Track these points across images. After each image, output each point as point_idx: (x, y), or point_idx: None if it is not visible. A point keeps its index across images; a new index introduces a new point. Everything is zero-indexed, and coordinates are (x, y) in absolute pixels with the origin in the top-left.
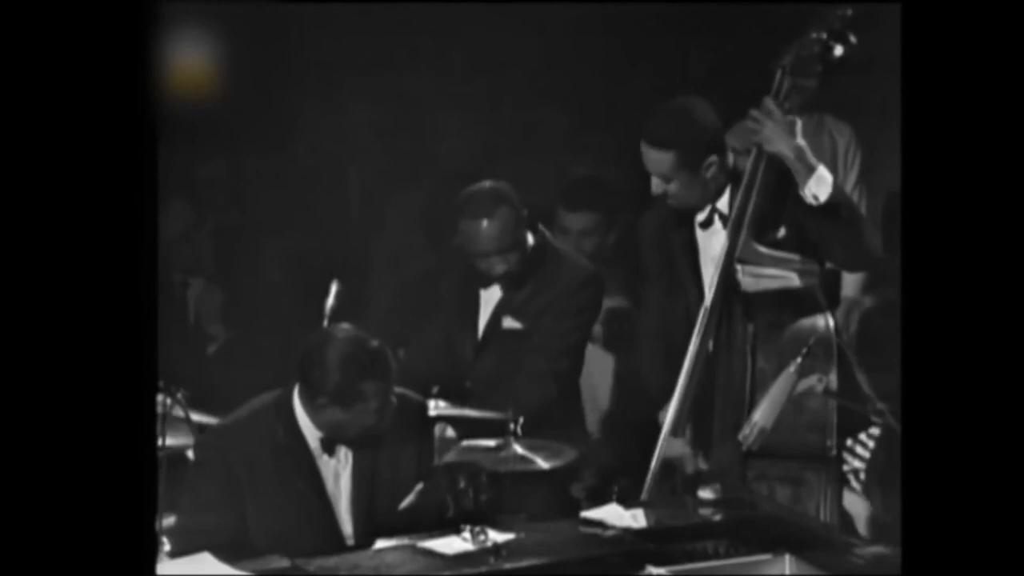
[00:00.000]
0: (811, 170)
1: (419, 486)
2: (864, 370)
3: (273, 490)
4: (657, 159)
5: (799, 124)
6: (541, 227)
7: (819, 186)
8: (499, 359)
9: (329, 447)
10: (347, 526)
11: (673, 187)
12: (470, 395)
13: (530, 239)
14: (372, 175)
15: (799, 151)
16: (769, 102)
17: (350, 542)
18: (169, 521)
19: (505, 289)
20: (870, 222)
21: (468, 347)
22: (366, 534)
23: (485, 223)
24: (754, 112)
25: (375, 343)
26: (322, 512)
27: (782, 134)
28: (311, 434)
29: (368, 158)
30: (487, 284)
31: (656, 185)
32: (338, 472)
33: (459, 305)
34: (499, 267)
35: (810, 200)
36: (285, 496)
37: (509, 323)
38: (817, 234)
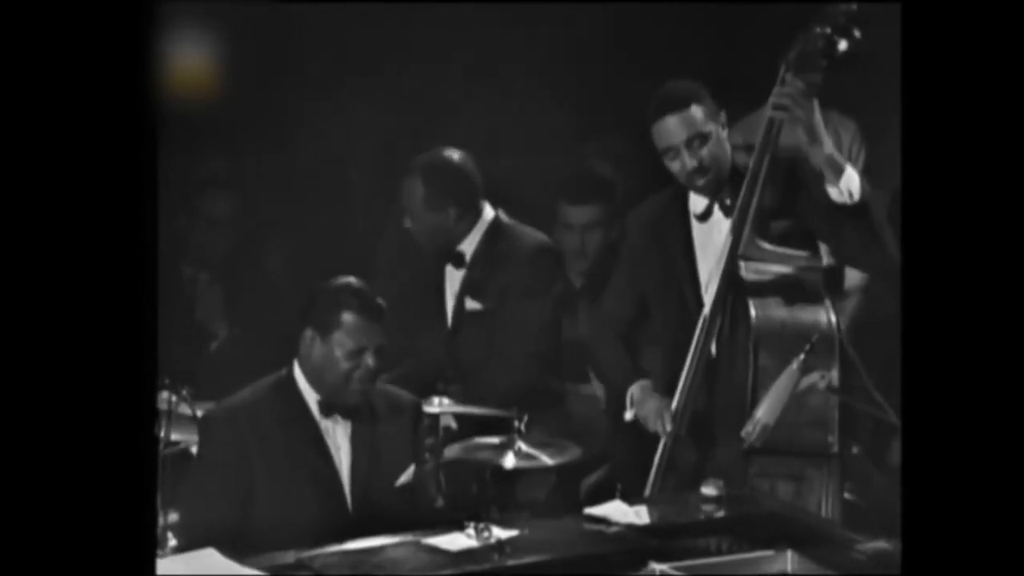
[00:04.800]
0: (841, 169)
1: (412, 467)
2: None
3: (281, 460)
4: (685, 120)
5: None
6: (499, 209)
7: (851, 183)
8: (472, 342)
9: (326, 410)
10: (347, 496)
11: (706, 151)
12: (451, 384)
13: (489, 213)
14: (374, 174)
15: (831, 147)
16: (789, 76)
17: (352, 514)
18: (174, 516)
19: (466, 269)
20: (889, 224)
21: (440, 331)
22: (366, 507)
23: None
24: (779, 88)
25: (370, 291)
26: (328, 479)
27: (813, 115)
28: (312, 400)
29: (370, 157)
30: (443, 261)
31: (686, 162)
32: (339, 443)
33: (424, 289)
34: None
35: (844, 199)
36: (294, 465)
37: (471, 304)
38: (831, 233)
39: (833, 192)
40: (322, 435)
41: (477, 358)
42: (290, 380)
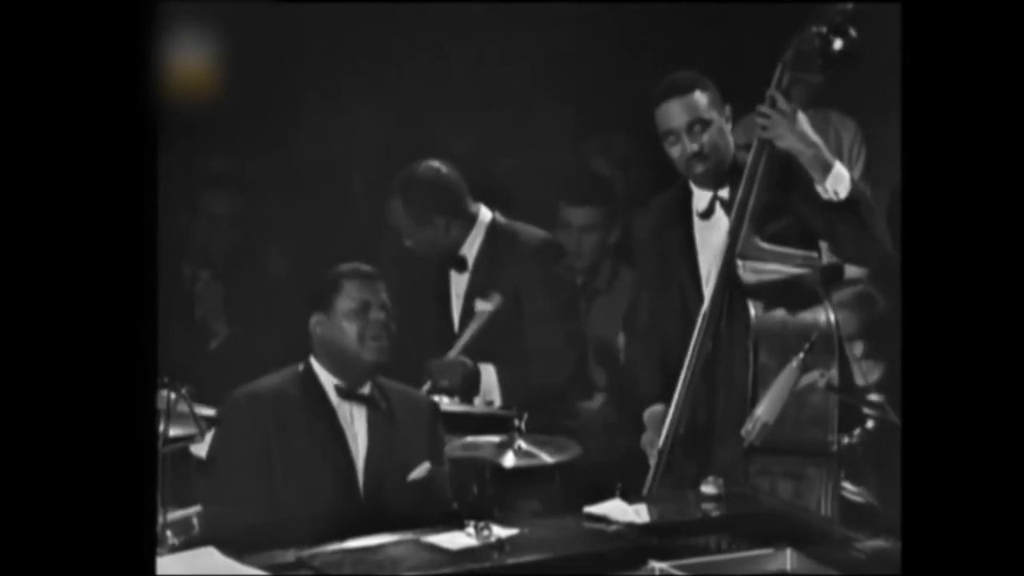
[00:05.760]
0: (828, 167)
1: (427, 464)
2: (860, 363)
3: (298, 446)
4: (687, 104)
5: (802, 117)
6: (496, 211)
7: (838, 182)
8: (485, 343)
9: (344, 394)
10: (360, 486)
11: (707, 137)
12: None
13: (485, 215)
14: (375, 172)
15: (815, 148)
16: (776, 95)
17: (363, 501)
18: (196, 508)
19: (469, 273)
20: (883, 217)
21: (448, 338)
22: (377, 498)
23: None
24: (762, 107)
25: (362, 264)
26: (343, 467)
27: (795, 129)
28: (330, 385)
29: (371, 154)
30: (446, 267)
31: (686, 146)
32: (356, 432)
33: (427, 295)
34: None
35: (829, 196)
36: (310, 452)
37: (481, 306)
38: (827, 230)
39: (820, 190)
40: (340, 423)
41: (491, 356)
42: (308, 370)
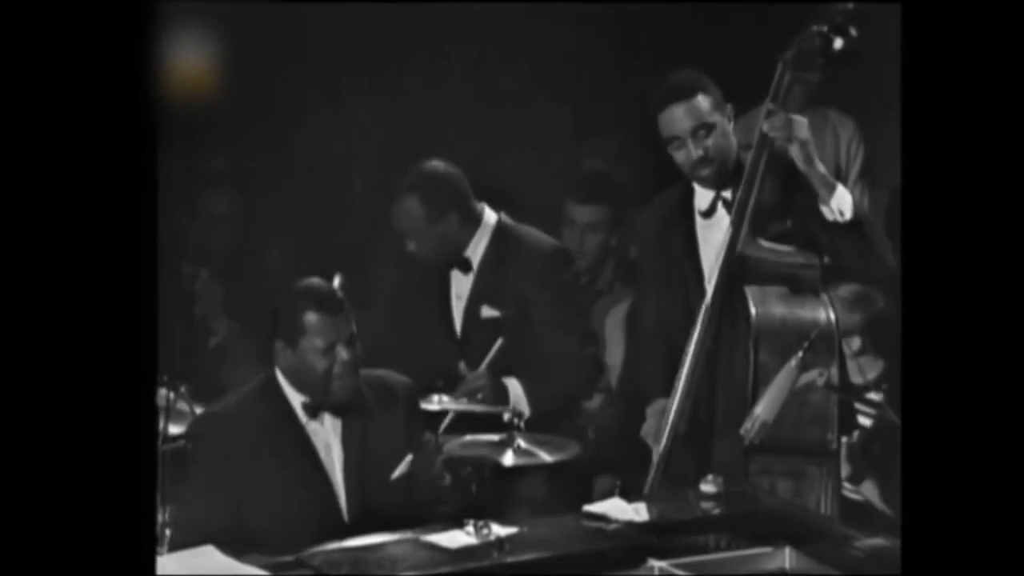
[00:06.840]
0: (832, 187)
1: (409, 456)
2: (859, 363)
3: (270, 466)
4: (690, 109)
5: (806, 124)
6: (502, 213)
7: (843, 203)
8: (488, 348)
9: (312, 411)
10: (342, 498)
11: (711, 141)
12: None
13: (491, 217)
14: (375, 172)
15: (822, 167)
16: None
17: (346, 516)
18: (169, 529)
19: (474, 275)
20: (884, 233)
21: (448, 340)
22: (361, 506)
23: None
24: (769, 110)
25: (326, 286)
26: (317, 483)
27: (814, 153)
28: (296, 402)
29: (371, 154)
30: (448, 268)
31: (691, 151)
32: (329, 443)
33: (426, 299)
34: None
35: (835, 217)
36: (282, 471)
37: (487, 312)
38: (830, 247)
39: (825, 210)
40: (309, 438)
41: (497, 364)
42: (274, 384)
